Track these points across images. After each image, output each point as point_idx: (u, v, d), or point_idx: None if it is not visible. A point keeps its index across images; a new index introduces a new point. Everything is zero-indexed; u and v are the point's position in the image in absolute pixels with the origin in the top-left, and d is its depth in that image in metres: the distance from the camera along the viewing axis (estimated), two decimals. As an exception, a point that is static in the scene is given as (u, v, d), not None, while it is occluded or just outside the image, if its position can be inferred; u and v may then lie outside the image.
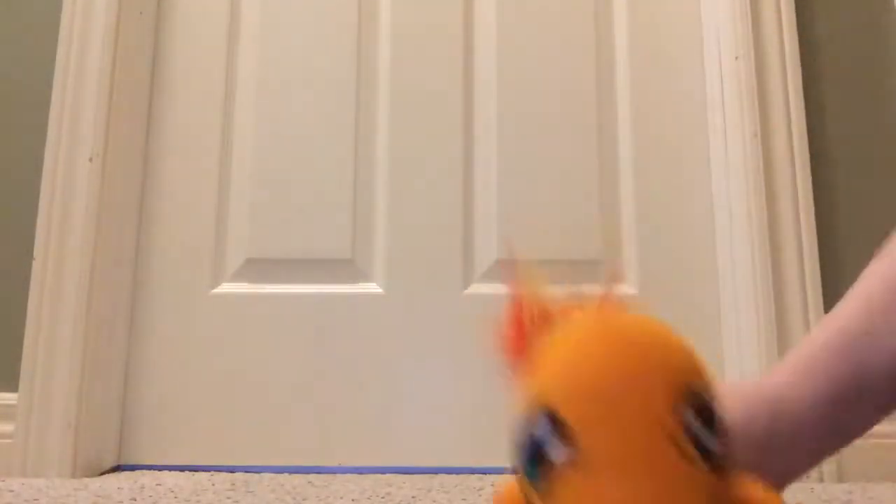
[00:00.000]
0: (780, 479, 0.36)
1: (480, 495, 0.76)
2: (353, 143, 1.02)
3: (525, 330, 0.35)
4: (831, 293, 0.89)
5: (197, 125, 1.03)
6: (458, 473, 0.88)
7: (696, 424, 0.26)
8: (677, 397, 0.27)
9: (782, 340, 0.88)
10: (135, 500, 0.73)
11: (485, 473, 0.89)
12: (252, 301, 0.98)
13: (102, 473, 0.90)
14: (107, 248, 0.93)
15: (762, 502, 0.29)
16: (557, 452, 0.27)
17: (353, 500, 0.74)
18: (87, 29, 0.97)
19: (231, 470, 0.90)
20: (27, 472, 0.86)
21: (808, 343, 0.38)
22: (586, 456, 0.26)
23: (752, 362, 0.88)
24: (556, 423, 0.27)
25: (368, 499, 0.74)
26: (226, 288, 0.99)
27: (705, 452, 0.26)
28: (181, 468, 0.91)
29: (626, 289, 0.97)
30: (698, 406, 0.27)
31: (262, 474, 0.88)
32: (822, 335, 0.37)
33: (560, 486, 0.27)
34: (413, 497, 0.75)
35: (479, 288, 0.97)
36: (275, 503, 0.72)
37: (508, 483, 0.31)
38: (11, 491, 0.76)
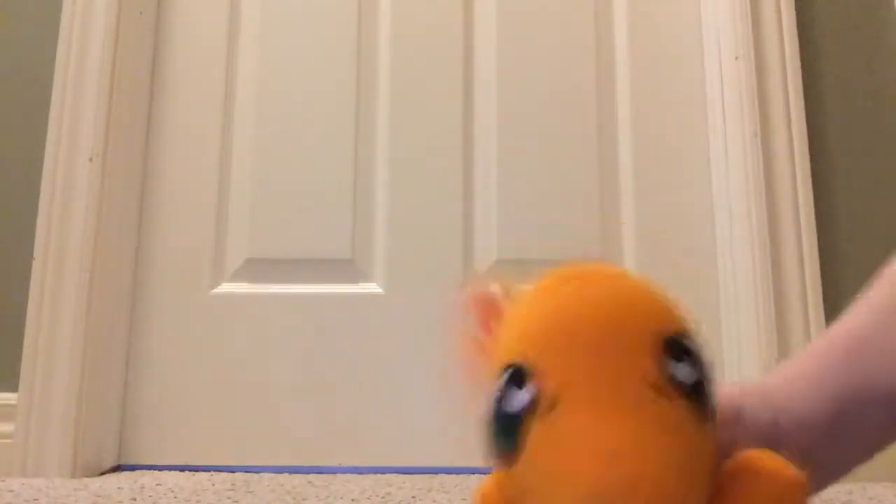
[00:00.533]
0: None
1: (480, 495, 0.76)
2: (353, 143, 1.02)
3: (488, 328, 0.34)
4: (831, 294, 0.89)
5: (197, 125, 1.03)
6: (458, 473, 0.88)
7: (673, 362, 0.25)
8: (654, 338, 0.26)
9: (782, 341, 0.88)
10: (135, 500, 0.73)
11: (485, 474, 0.89)
12: (252, 301, 0.98)
13: (102, 473, 0.90)
14: (107, 248, 0.93)
15: (770, 470, 0.26)
16: (524, 399, 0.26)
17: (353, 500, 0.74)
18: (87, 29, 0.97)
19: (231, 470, 0.90)
20: (27, 472, 0.86)
21: (813, 347, 0.35)
22: (555, 398, 0.25)
23: (752, 363, 0.88)
24: (521, 375, 0.26)
25: (368, 499, 0.74)
26: (226, 288, 0.99)
27: (688, 393, 0.25)
28: (181, 468, 0.91)
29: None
30: (677, 348, 0.26)
31: (262, 474, 0.88)
32: (827, 340, 0.35)
33: (530, 440, 0.25)
34: (413, 497, 0.75)
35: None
36: (275, 503, 0.72)
37: (487, 479, 0.30)
38: (11, 491, 0.76)
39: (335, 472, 0.89)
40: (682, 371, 0.25)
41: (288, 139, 1.02)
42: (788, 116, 0.93)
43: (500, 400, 0.27)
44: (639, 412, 0.25)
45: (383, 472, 0.89)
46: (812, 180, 0.92)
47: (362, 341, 0.96)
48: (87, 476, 0.87)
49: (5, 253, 0.94)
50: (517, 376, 0.26)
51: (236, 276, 0.99)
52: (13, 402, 0.88)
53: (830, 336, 0.35)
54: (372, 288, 0.98)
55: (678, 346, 0.26)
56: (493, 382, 0.27)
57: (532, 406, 0.25)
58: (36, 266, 0.91)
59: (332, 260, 0.99)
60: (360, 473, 0.89)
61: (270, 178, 1.01)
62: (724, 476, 0.26)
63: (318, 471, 0.90)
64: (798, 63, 0.95)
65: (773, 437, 0.33)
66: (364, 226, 1.00)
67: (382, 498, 0.74)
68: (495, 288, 0.34)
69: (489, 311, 0.34)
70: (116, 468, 0.93)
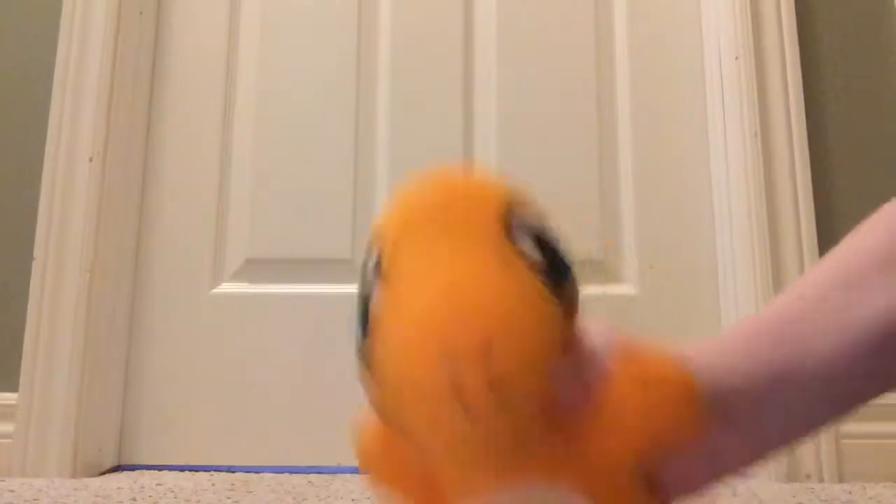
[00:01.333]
0: (714, 468, 0.31)
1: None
2: (354, 142, 1.02)
3: None
4: (831, 293, 0.89)
5: (197, 125, 1.03)
6: (458, 473, 0.88)
7: (519, 236, 0.24)
8: (498, 209, 0.25)
9: (782, 340, 0.87)
10: (135, 500, 0.73)
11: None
12: (252, 301, 0.98)
13: (102, 473, 0.90)
14: (107, 248, 0.93)
15: (664, 377, 0.26)
16: (370, 270, 0.25)
17: (353, 500, 0.74)
18: (87, 29, 0.97)
19: (231, 470, 0.90)
20: (27, 472, 0.86)
21: (749, 319, 0.34)
22: (394, 253, 0.24)
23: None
24: (378, 262, 0.25)
25: (368, 499, 0.74)
26: (226, 288, 0.99)
27: (535, 267, 0.24)
28: (181, 468, 0.91)
29: (627, 289, 0.97)
30: (523, 227, 0.25)
31: (262, 474, 0.88)
32: (769, 311, 0.34)
33: (377, 313, 0.24)
34: (413, 497, 0.75)
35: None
36: (275, 503, 0.72)
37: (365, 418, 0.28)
38: (11, 491, 0.76)
39: (335, 472, 0.89)
40: (527, 246, 0.24)
41: (288, 139, 1.02)
42: (788, 116, 0.93)
43: (361, 296, 0.25)
44: (481, 249, 0.24)
45: (383, 472, 0.89)
46: (812, 180, 0.92)
47: (362, 341, 0.96)
48: (87, 476, 0.87)
49: (5, 253, 0.94)
50: (376, 264, 0.25)
51: (236, 276, 0.99)
52: (13, 402, 0.88)
53: (759, 315, 0.34)
54: (372, 288, 0.98)
55: (524, 227, 0.25)
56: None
57: (375, 273, 0.24)
58: (36, 266, 0.91)
59: (332, 260, 0.99)
60: (360, 473, 0.88)
61: (270, 178, 1.01)
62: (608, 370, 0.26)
63: (318, 471, 0.90)
64: (798, 63, 0.95)
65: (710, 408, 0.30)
66: (364, 226, 1.00)
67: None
68: None
69: None
70: (116, 468, 0.93)
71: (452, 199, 0.25)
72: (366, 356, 0.25)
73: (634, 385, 0.26)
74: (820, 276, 0.34)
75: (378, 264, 0.25)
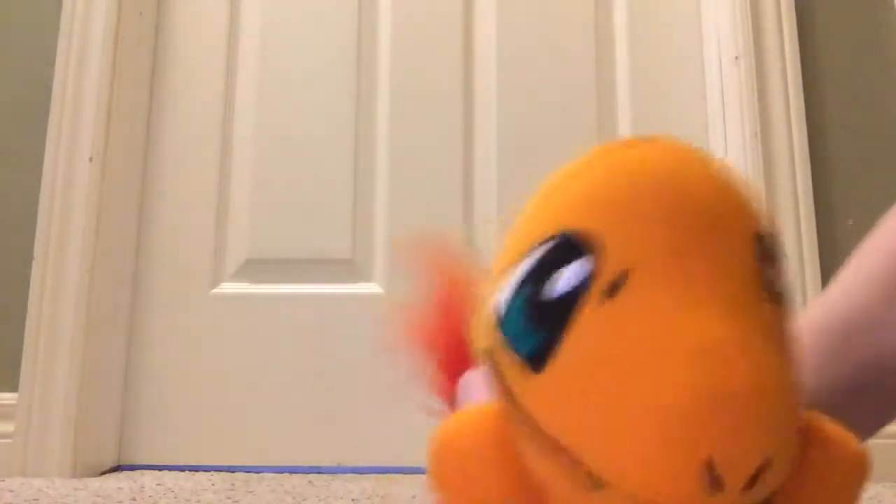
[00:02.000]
0: None
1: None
2: (353, 143, 1.02)
3: (453, 312, 0.27)
4: (831, 293, 0.89)
5: (197, 125, 1.03)
6: (458, 473, 0.88)
7: (765, 265, 0.19)
8: (748, 230, 0.20)
9: (782, 340, 0.87)
10: (135, 500, 0.73)
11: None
12: (252, 301, 0.98)
13: (102, 473, 0.90)
14: (107, 248, 0.93)
15: (839, 440, 0.22)
16: (573, 278, 0.18)
17: (353, 500, 0.74)
18: (87, 29, 0.96)
19: (231, 470, 0.90)
20: (27, 472, 0.86)
21: (805, 328, 0.32)
22: (621, 278, 0.18)
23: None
24: (570, 248, 0.19)
25: (368, 499, 0.74)
26: (226, 288, 0.99)
27: (780, 304, 0.20)
28: (181, 468, 0.91)
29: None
30: (767, 250, 0.20)
31: (262, 474, 0.88)
32: (822, 320, 0.32)
33: (576, 333, 0.18)
34: (413, 497, 0.75)
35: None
36: (275, 503, 0.72)
37: (466, 414, 0.23)
38: (11, 491, 0.76)
39: (335, 472, 0.89)
40: (774, 276, 0.20)
41: (288, 139, 1.02)
42: (788, 116, 0.93)
43: (534, 280, 0.19)
44: (742, 309, 0.18)
45: (383, 472, 0.89)
46: (812, 180, 0.92)
47: (362, 341, 0.96)
48: (87, 476, 0.87)
49: (5, 253, 0.94)
50: (563, 250, 0.19)
51: (236, 276, 0.99)
52: (13, 402, 0.88)
53: (822, 318, 0.32)
54: (372, 288, 0.98)
55: (768, 249, 0.20)
56: (520, 261, 0.20)
57: (583, 287, 0.18)
58: (36, 266, 0.91)
59: (332, 260, 0.99)
60: (360, 473, 0.89)
61: (270, 178, 1.01)
62: None
63: (318, 471, 0.90)
64: (798, 63, 0.95)
65: None
66: (364, 226, 1.00)
67: (382, 498, 0.74)
68: (462, 273, 0.27)
69: (455, 299, 0.28)
70: (116, 468, 0.93)
71: (696, 212, 0.19)
72: (532, 362, 0.19)
73: (824, 464, 0.22)
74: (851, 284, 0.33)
75: (592, 277, 0.19)
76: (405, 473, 0.89)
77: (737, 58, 0.95)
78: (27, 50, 0.99)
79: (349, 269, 0.99)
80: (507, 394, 0.21)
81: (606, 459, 0.18)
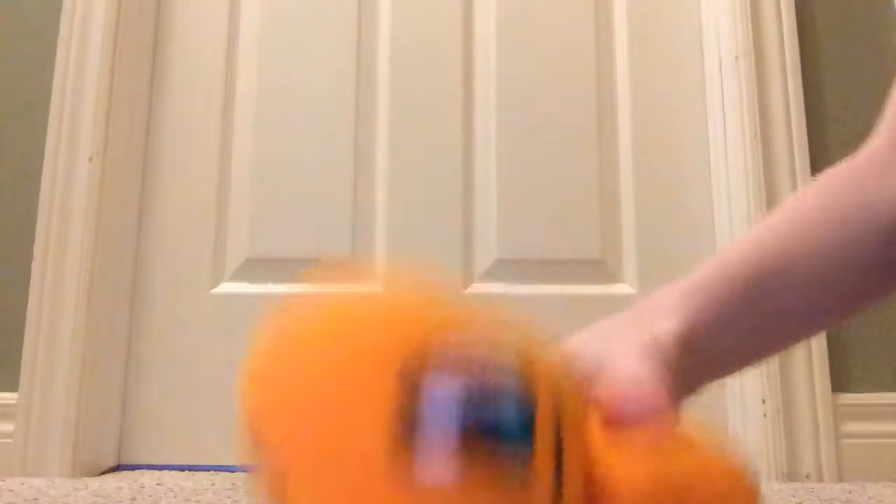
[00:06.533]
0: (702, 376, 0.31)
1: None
2: (353, 142, 1.02)
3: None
4: (831, 293, 0.89)
5: (197, 125, 1.03)
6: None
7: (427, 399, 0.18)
8: (396, 367, 0.19)
9: (782, 340, 0.87)
10: (135, 500, 0.73)
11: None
12: (252, 301, 0.98)
13: (102, 473, 0.90)
14: (107, 248, 0.93)
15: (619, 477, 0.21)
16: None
17: (353, 499, 0.74)
18: (87, 29, 0.96)
19: (231, 470, 0.90)
20: (27, 471, 0.86)
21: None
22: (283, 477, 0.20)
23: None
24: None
25: (368, 499, 0.74)
26: (226, 288, 0.99)
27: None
28: (181, 468, 0.91)
29: (626, 288, 0.97)
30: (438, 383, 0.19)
31: (262, 474, 0.88)
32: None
33: None
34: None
35: (479, 287, 0.97)
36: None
37: None
38: (11, 491, 0.76)
39: (335, 472, 0.89)
40: (434, 410, 0.18)
41: (288, 139, 1.02)
42: (788, 116, 0.93)
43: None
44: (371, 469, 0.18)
45: (383, 472, 0.89)
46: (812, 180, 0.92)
47: (362, 341, 0.96)
48: (87, 476, 0.87)
49: (5, 253, 0.94)
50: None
51: (236, 276, 0.99)
52: (13, 402, 0.88)
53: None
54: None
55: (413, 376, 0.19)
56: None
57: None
58: (36, 266, 0.91)
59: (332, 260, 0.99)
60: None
61: (270, 177, 1.01)
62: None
63: (318, 471, 0.90)
64: (798, 63, 0.95)
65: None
66: (364, 226, 1.00)
67: (382, 498, 0.74)
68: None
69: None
70: (116, 468, 0.93)
71: (338, 375, 0.19)
72: None
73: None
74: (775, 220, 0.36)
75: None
76: (405, 473, 0.88)
77: (737, 58, 0.95)
78: (27, 50, 0.99)
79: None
80: None
81: None
